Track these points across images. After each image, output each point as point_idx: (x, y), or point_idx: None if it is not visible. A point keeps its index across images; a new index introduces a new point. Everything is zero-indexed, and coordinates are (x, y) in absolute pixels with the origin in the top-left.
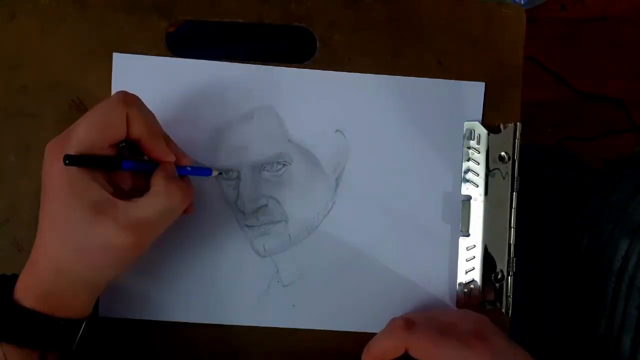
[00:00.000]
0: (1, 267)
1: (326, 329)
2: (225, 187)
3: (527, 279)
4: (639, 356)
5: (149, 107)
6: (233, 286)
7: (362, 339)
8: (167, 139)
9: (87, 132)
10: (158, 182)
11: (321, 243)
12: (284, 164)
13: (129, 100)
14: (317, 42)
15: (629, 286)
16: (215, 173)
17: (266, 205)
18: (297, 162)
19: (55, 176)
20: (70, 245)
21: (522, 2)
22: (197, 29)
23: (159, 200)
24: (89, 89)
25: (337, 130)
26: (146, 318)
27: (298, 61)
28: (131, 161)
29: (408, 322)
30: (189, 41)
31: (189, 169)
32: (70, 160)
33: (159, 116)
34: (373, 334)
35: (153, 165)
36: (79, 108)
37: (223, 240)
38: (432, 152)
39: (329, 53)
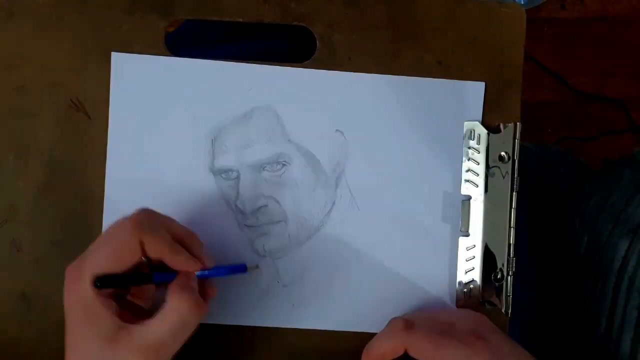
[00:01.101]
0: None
1: (326, 329)
2: (225, 187)
3: (527, 279)
4: (638, 356)
5: (149, 106)
6: (232, 286)
7: (362, 339)
8: (192, 242)
9: (99, 261)
10: (171, 296)
11: (321, 243)
12: (283, 164)
13: (142, 224)
14: (317, 42)
15: (628, 286)
16: (253, 267)
17: (266, 206)
18: (297, 162)
19: (72, 305)
20: None
21: (522, 2)
22: (197, 29)
23: (170, 318)
24: (88, 88)
25: (336, 130)
26: None
27: (298, 61)
28: (161, 273)
29: (407, 323)
30: (188, 41)
31: (220, 271)
32: (101, 282)
33: (158, 116)
34: (373, 334)
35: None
36: (78, 108)
37: (223, 240)
38: (431, 151)
39: (329, 53)
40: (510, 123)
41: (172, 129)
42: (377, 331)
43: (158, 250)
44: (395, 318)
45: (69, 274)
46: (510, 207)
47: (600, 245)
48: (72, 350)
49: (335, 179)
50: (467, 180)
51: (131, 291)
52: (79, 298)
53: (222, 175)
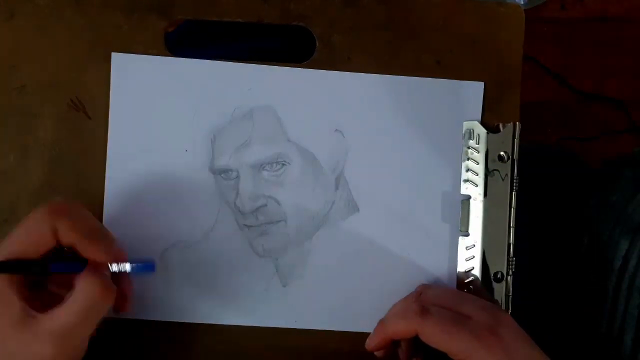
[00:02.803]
0: None
1: (326, 329)
2: (225, 187)
3: (527, 279)
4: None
5: (149, 106)
6: (232, 286)
7: (361, 339)
8: (106, 235)
9: (12, 248)
10: (78, 282)
11: (320, 243)
12: (283, 164)
13: (57, 211)
14: (317, 42)
15: (629, 286)
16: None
17: (265, 205)
18: (297, 162)
19: None
20: None
21: (522, 2)
22: (196, 29)
23: (76, 302)
24: (88, 88)
25: (336, 130)
26: (146, 318)
27: (297, 61)
28: (61, 263)
29: (423, 310)
30: (188, 41)
31: (129, 267)
32: None
33: (158, 116)
34: None
35: (84, 265)
36: (78, 108)
37: (222, 240)
38: (431, 151)
39: (328, 53)
40: (510, 123)
41: (171, 129)
42: None
43: (70, 237)
44: (411, 300)
45: None
46: (510, 206)
47: (601, 245)
48: None
49: (334, 179)
50: (466, 180)
51: (53, 280)
52: None
53: (222, 175)
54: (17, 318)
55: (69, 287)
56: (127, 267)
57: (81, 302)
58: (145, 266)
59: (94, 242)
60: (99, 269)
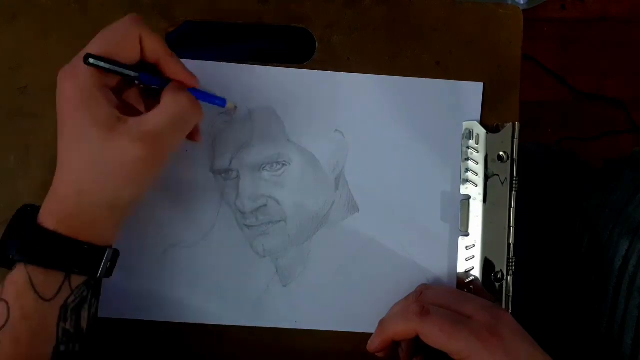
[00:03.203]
0: None
1: (326, 329)
2: (225, 187)
3: (527, 279)
4: None
5: None
6: (232, 286)
7: (361, 339)
8: (179, 61)
9: (100, 50)
10: (167, 94)
11: (320, 243)
12: (283, 164)
13: (142, 22)
14: (317, 43)
15: (629, 286)
16: (230, 106)
17: (265, 205)
18: (297, 162)
19: (69, 96)
20: (89, 165)
21: (522, 2)
22: (197, 30)
23: (167, 110)
24: None
25: (336, 130)
26: (146, 318)
27: (297, 62)
28: (148, 74)
29: (423, 310)
30: (188, 41)
31: (203, 95)
32: (92, 58)
33: None
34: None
35: (167, 82)
36: None
37: (222, 240)
38: (431, 152)
39: (328, 53)
40: (509, 123)
41: None
42: None
43: (156, 50)
44: (412, 300)
45: (63, 74)
46: (510, 206)
47: (601, 245)
48: (67, 150)
49: (334, 179)
50: (466, 180)
51: (130, 95)
52: (77, 91)
53: (222, 175)
54: (109, 120)
55: (143, 104)
56: (202, 95)
57: (173, 109)
58: (217, 99)
59: (177, 61)
60: (180, 84)
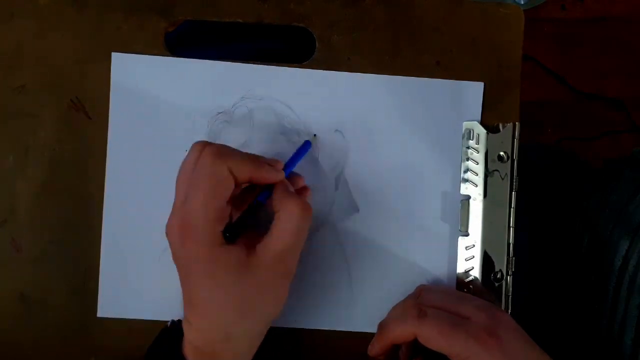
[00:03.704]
0: None
1: (326, 329)
2: None
3: (527, 279)
4: None
5: (149, 106)
6: None
7: (361, 339)
8: (260, 158)
9: (200, 205)
10: (278, 207)
11: (320, 243)
12: None
13: (221, 152)
14: (317, 42)
15: (629, 286)
16: (314, 141)
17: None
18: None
19: (192, 260)
20: (232, 305)
21: (522, 2)
22: (196, 29)
23: (286, 226)
24: (88, 88)
25: (336, 130)
26: (146, 318)
27: (297, 61)
28: (263, 193)
29: (420, 312)
30: (188, 41)
31: (296, 160)
32: (230, 233)
33: (158, 116)
34: (373, 334)
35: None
36: (78, 108)
37: None
38: (431, 151)
39: (328, 53)
40: (509, 123)
41: (171, 129)
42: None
43: (246, 170)
44: (410, 302)
45: (175, 235)
46: (510, 206)
47: (601, 245)
48: (203, 294)
49: (334, 179)
50: (466, 180)
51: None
52: (200, 250)
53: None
54: (242, 259)
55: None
56: (295, 160)
57: (290, 223)
58: (303, 149)
59: (263, 166)
60: (285, 184)
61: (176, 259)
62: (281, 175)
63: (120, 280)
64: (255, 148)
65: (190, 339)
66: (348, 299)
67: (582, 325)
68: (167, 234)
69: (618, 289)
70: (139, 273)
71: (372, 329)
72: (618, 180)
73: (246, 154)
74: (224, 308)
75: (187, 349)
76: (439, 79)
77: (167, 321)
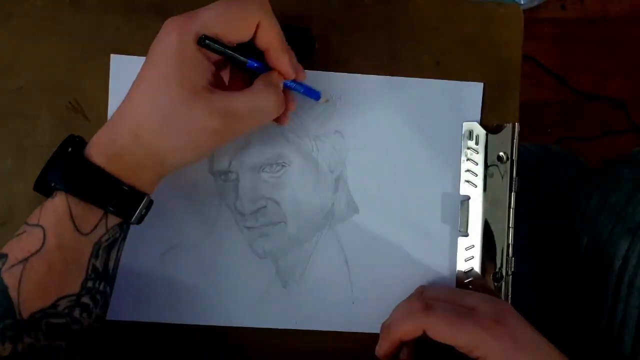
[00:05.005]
0: None
1: (326, 329)
2: (224, 189)
3: (526, 279)
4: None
5: None
6: (233, 287)
7: (362, 339)
8: (291, 52)
9: (217, 21)
10: (259, 82)
11: (320, 244)
12: (282, 165)
13: (267, 8)
14: (316, 43)
15: (629, 286)
16: (323, 100)
17: (265, 207)
18: (296, 163)
19: (169, 48)
20: (157, 116)
21: (522, 2)
22: None
23: (254, 96)
24: (86, 90)
25: (336, 131)
26: (146, 320)
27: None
28: (256, 63)
29: (426, 306)
30: None
31: (302, 88)
32: (206, 41)
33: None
34: (373, 334)
35: (268, 69)
36: (76, 109)
37: (222, 242)
38: (430, 152)
39: (327, 54)
40: (509, 123)
41: None
42: (377, 331)
43: (269, 39)
44: (414, 300)
45: (173, 25)
46: (509, 207)
47: (601, 245)
48: (141, 93)
49: (334, 180)
50: (466, 181)
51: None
52: (179, 47)
53: (222, 177)
54: (195, 83)
55: (228, 76)
56: (301, 87)
57: (260, 99)
58: (313, 92)
59: (286, 53)
60: (279, 78)
61: (154, 45)
62: (288, 69)
63: (120, 283)
64: (256, 148)
65: (98, 136)
66: (348, 299)
67: (582, 324)
68: (166, 22)
69: (618, 289)
70: (138, 275)
71: (372, 329)
72: (618, 180)
73: (282, 33)
74: (150, 108)
75: (91, 148)
76: (439, 80)
77: (167, 322)
